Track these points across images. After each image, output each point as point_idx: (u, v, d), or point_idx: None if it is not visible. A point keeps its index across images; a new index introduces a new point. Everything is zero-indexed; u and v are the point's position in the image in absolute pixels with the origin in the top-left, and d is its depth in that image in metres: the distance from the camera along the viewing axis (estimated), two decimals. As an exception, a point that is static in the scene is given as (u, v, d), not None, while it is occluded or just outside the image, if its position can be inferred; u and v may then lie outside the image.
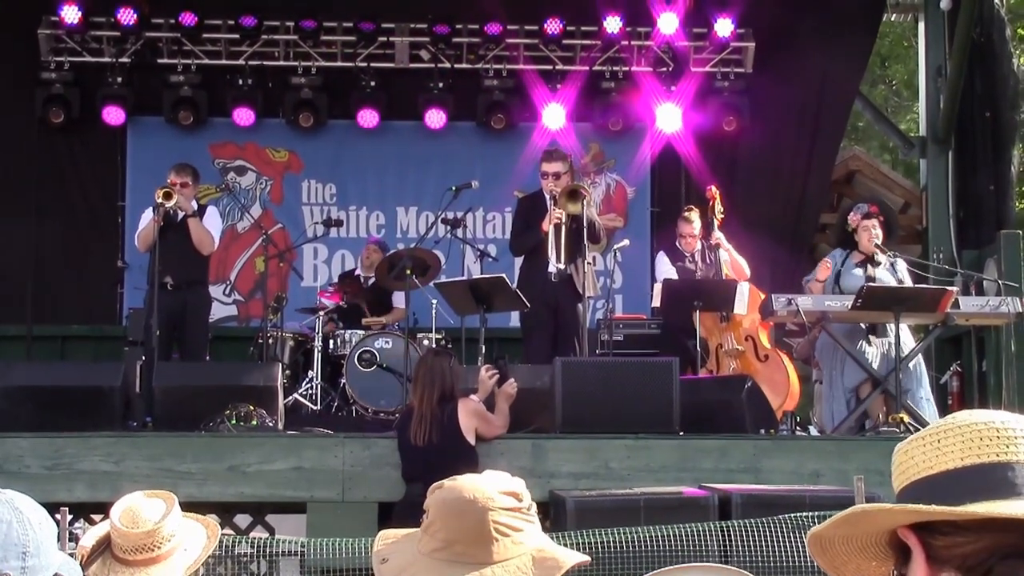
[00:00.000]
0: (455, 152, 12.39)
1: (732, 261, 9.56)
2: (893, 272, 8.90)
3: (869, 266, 8.84)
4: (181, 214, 9.46)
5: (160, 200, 9.18)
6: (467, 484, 1.74)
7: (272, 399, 8.12)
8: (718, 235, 9.54)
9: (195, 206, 9.63)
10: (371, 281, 10.42)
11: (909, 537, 1.44)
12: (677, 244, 9.81)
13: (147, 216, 9.45)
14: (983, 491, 1.40)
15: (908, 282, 8.92)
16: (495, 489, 1.73)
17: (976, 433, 1.43)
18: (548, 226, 8.79)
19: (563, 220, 8.76)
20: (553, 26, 12.04)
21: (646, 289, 11.48)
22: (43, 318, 11.97)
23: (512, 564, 1.70)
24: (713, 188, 9.79)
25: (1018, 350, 10.33)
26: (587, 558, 1.81)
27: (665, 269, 9.66)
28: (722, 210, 9.62)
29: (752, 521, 6.29)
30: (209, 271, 10.03)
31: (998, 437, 1.42)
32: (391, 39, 12.35)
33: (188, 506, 3.16)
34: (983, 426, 1.43)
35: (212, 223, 9.69)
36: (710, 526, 6.34)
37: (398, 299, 10.10)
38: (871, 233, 8.83)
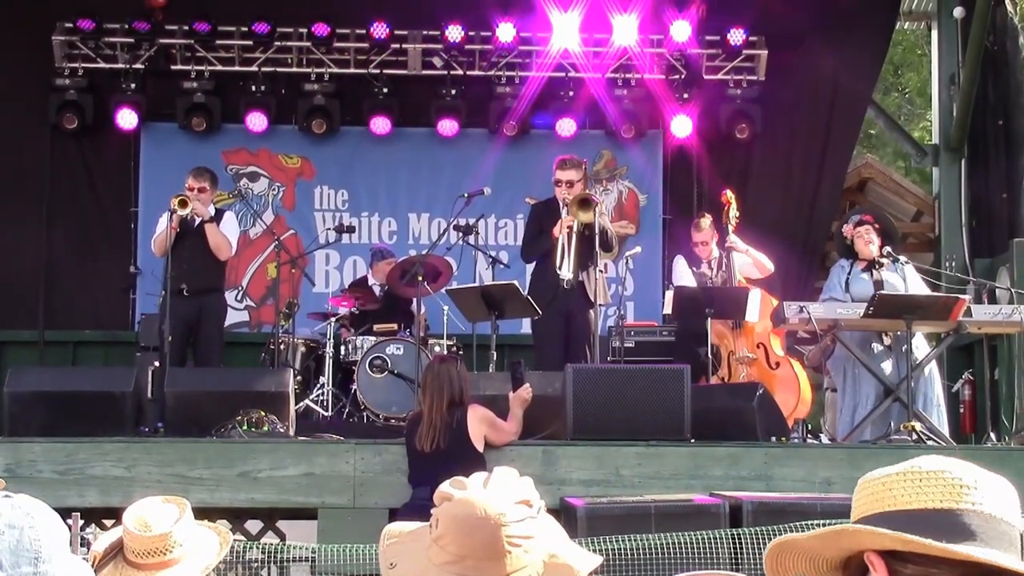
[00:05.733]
0: (467, 159, 12.41)
1: (754, 260, 9.56)
2: (898, 273, 8.89)
3: (874, 269, 8.84)
4: (198, 220, 9.48)
5: (175, 208, 9.21)
6: (478, 499, 1.71)
7: (283, 405, 8.13)
8: (732, 239, 9.53)
9: (212, 211, 9.65)
10: (384, 288, 10.42)
11: (877, 562, 1.59)
12: (695, 252, 9.81)
13: (164, 220, 9.47)
14: (954, 534, 1.56)
15: (918, 283, 8.92)
16: (508, 501, 1.71)
17: (948, 482, 1.60)
18: (559, 232, 8.78)
19: (575, 228, 8.76)
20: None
21: (658, 296, 11.48)
22: (55, 323, 12.00)
23: (524, 573, 1.69)
24: (728, 193, 9.78)
25: (1030, 358, 10.30)
26: (599, 559, 1.80)
27: (682, 272, 9.64)
28: (737, 215, 9.62)
29: (763, 529, 6.29)
30: (225, 277, 10.04)
31: (962, 487, 1.59)
32: (404, 46, 12.36)
33: (199, 512, 3.17)
34: (949, 476, 1.60)
35: (229, 228, 9.70)
36: (721, 534, 6.34)
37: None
38: (864, 238, 8.85)
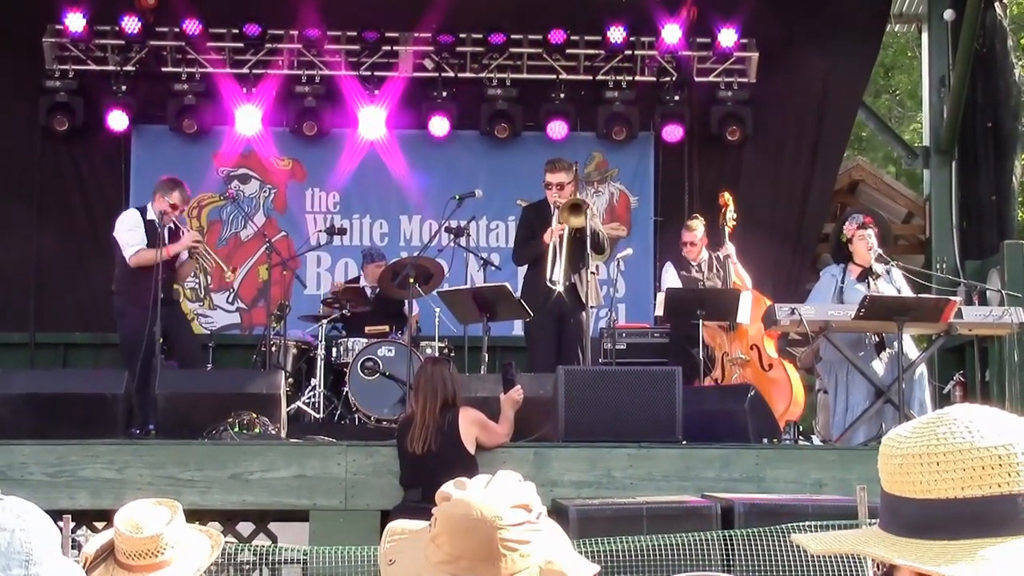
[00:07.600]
0: (459, 161, 12.40)
1: (735, 273, 9.57)
2: (891, 282, 8.91)
3: (870, 279, 8.85)
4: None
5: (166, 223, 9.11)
6: (475, 500, 1.70)
7: (275, 407, 8.12)
8: (729, 248, 9.54)
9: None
10: (376, 291, 10.42)
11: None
12: (683, 253, 9.82)
13: (141, 233, 9.27)
14: (984, 526, 1.36)
15: (906, 290, 8.93)
16: (505, 504, 1.70)
17: (978, 461, 1.36)
18: (549, 239, 8.79)
19: (565, 234, 8.76)
20: (557, 35, 12.04)
21: (649, 298, 11.49)
22: (45, 325, 11.98)
23: None
24: (726, 194, 9.77)
25: (1021, 360, 10.33)
26: (597, 568, 1.79)
27: (671, 280, 9.64)
28: (734, 216, 9.62)
29: (755, 530, 6.29)
30: (174, 289, 9.87)
31: (1000, 465, 1.36)
32: (395, 48, 12.35)
33: (191, 514, 3.17)
34: (986, 453, 1.36)
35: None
36: (713, 535, 6.34)
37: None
38: (867, 243, 8.85)
